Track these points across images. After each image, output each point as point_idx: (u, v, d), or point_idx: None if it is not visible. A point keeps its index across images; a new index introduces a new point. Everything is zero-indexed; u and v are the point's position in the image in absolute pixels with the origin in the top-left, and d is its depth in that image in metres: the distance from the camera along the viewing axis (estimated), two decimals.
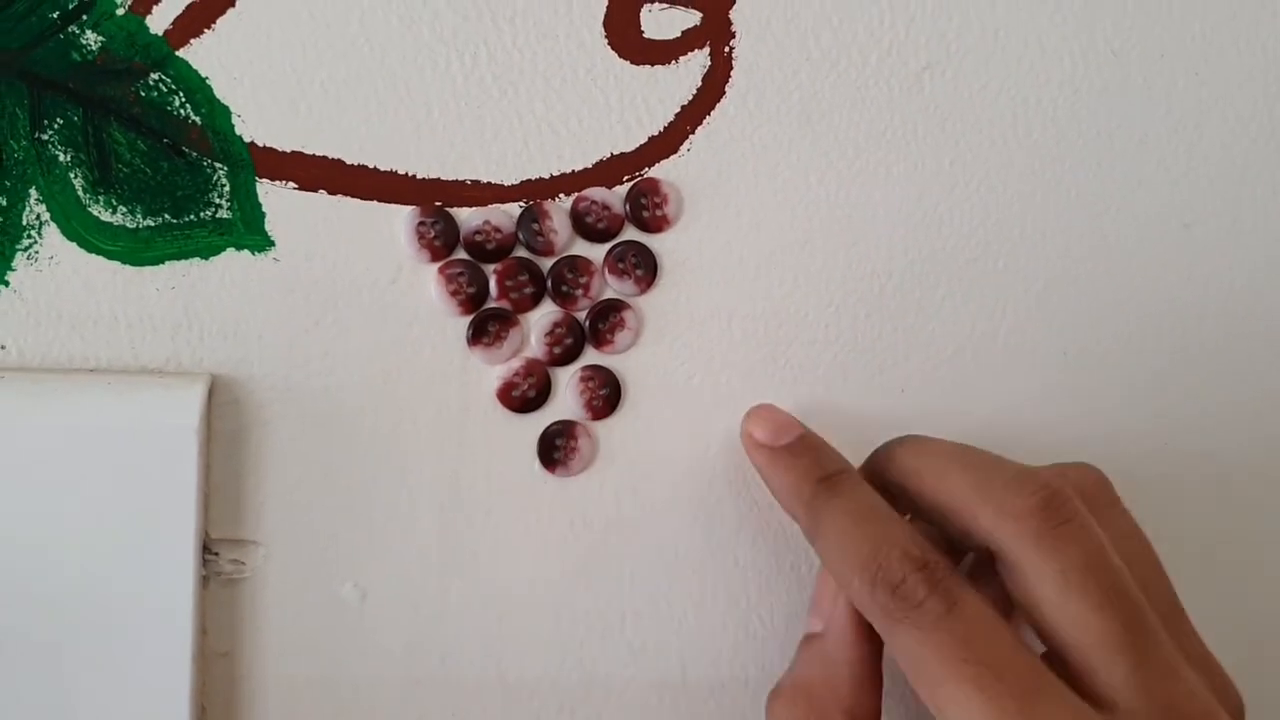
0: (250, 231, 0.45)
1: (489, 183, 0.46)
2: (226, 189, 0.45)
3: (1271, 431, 0.52)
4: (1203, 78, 0.50)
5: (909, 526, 0.42)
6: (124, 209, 0.44)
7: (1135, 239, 0.50)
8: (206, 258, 0.45)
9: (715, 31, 0.47)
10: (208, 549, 0.46)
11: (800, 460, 0.45)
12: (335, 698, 0.47)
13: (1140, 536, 0.44)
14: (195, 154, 0.45)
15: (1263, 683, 0.44)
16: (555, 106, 0.46)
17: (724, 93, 0.47)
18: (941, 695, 0.38)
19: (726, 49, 0.47)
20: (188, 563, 0.44)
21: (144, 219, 0.45)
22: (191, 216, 0.45)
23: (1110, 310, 0.50)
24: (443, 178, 0.46)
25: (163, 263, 0.45)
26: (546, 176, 0.46)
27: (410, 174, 0.45)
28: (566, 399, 0.47)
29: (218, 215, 0.45)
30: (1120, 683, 0.38)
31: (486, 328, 0.46)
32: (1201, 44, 0.50)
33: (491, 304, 0.46)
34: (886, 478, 0.45)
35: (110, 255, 0.44)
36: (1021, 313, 0.50)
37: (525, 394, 0.47)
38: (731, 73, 0.47)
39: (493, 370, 0.47)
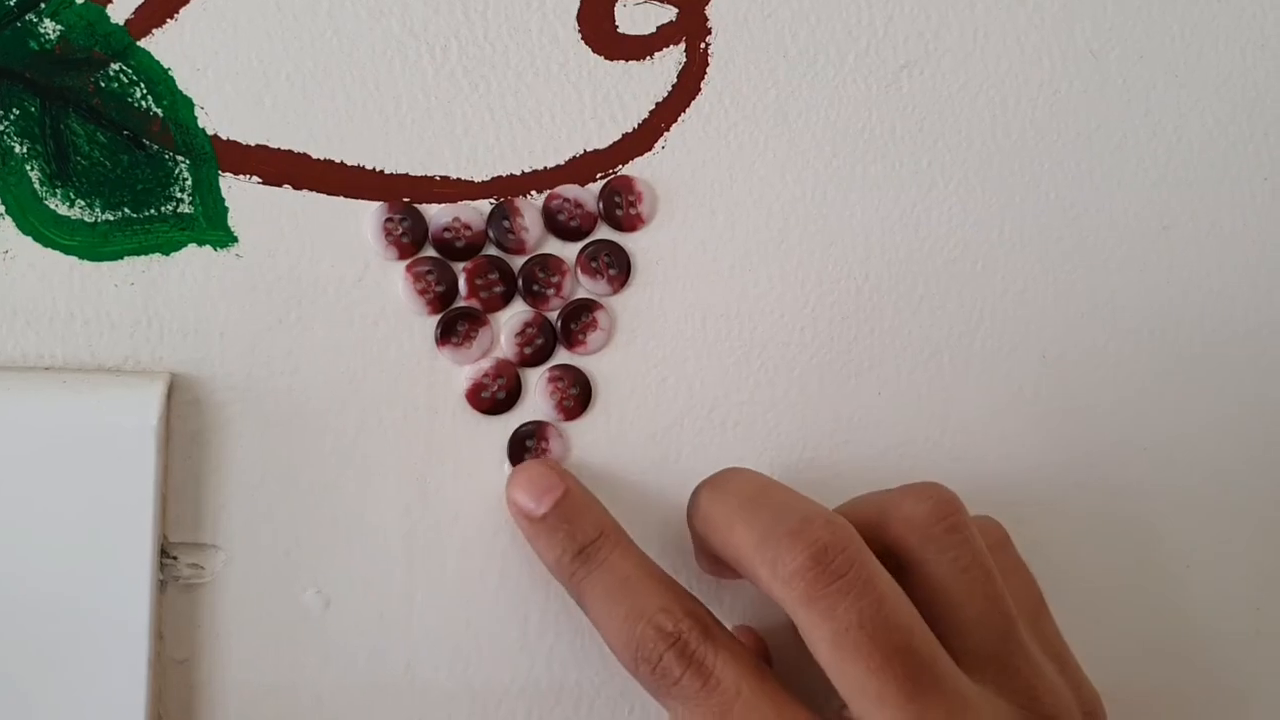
0: (213, 226, 0.44)
1: (459, 179, 0.45)
2: (189, 183, 0.44)
3: (1251, 431, 0.52)
4: (1181, 80, 0.50)
5: (666, 591, 0.42)
6: (82, 203, 0.43)
7: (1114, 241, 0.50)
8: (167, 253, 0.44)
9: (691, 27, 0.46)
10: (166, 553, 0.45)
11: (558, 533, 0.44)
12: (296, 707, 0.46)
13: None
14: (157, 147, 0.44)
15: None
16: (527, 102, 0.45)
17: (700, 90, 0.46)
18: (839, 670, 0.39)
19: (702, 45, 0.46)
20: (145, 567, 0.43)
21: (103, 213, 0.43)
22: (152, 211, 0.44)
23: (1089, 312, 0.50)
24: (411, 173, 0.45)
25: (122, 258, 0.44)
26: (518, 173, 0.45)
27: (378, 169, 0.45)
28: (537, 399, 0.46)
29: (179, 210, 0.44)
30: (989, 672, 0.40)
31: (455, 327, 0.45)
32: (1180, 46, 0.49)
33: (461, 303, 0.45)
34: (692, 525, 0.45)
35: (67, 250, 0.43)
36: (999, 315, 0.49)
37: (495, 395, 0.46)
38: (708, 69, 0.46)
39: (461, 371, 0.46)
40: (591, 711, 0.48)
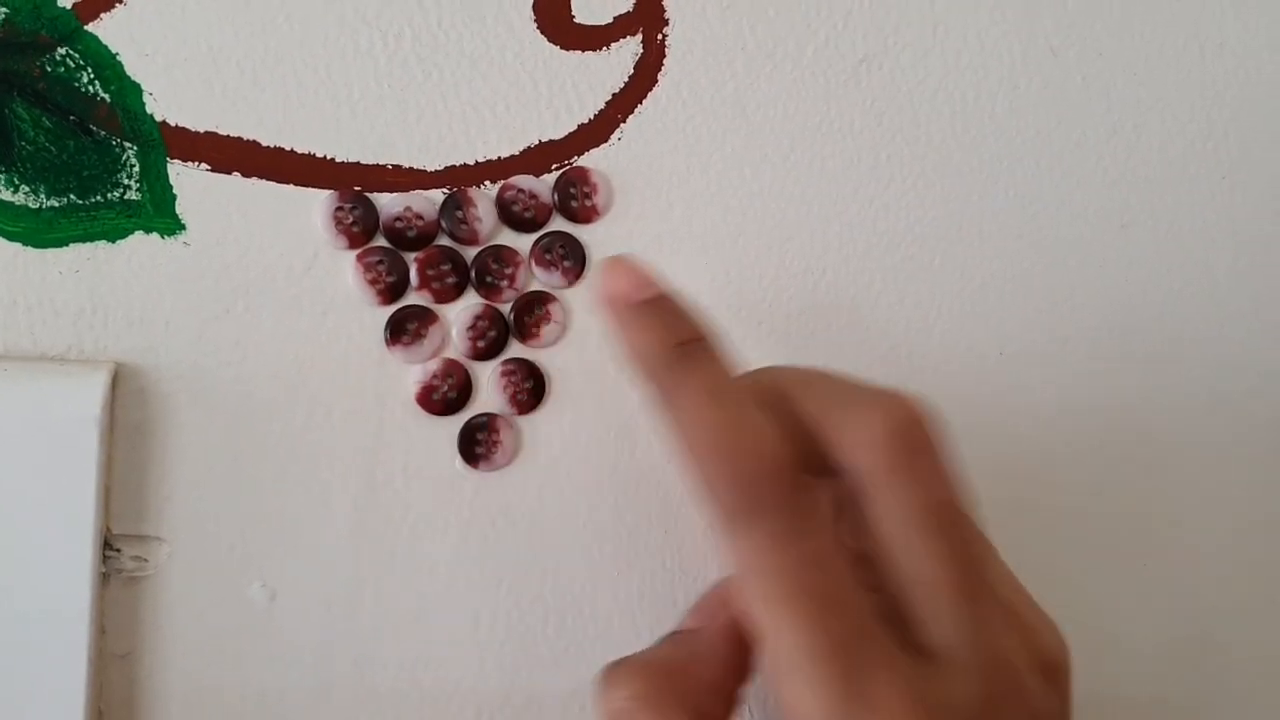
0: (160, 214, 0.43)
1: (411, 168, 0.45)
2: (136, 169, 0.43)
3: (1206, 427, 0.52)
4: (1140, 78, 0.50)
5: (774, 422, 0.38)
6: (26, 188, 0.43)
7: (1072, 238, 0.50)
8: (113, 240, 0.43)
9: (648, 18, 0.46)
10: (109, 545, 0.44)
11: (658, 320, 0.40)
12: (241, 703, 0.46)
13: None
14: (104, 133, 0.43)
15: None
16: (481, 91, 0.45)
17: (656, 81, 0.46)
18: (769, 615, 0.36)
19: (660, 36, 0.46)
20: (86, 559, 0.42)
21: (48, 199, 0.43)
22: (98, 197, 0.43)
23: (1047, 309, 0.50)
24: (363, 161, 0.44)
25: (67, 245, 0.43)
26: (471, 163, 0.45)
27: (329, 157, 0.44)
28: (490, 393, 0.46)
29: (126, 196, 0.43)
30: (950, 632, 0.37)
31: (405, 326, 0.44)
32: (1140, 44, 0.49)
33: (412, 293, 0.45)
34: (756, 391, 0.40)
35: (11, 237, 0.43)
36: (956, 310, 0.49)
37: (446, 395, 0.45)
38: (664, 61, 0.46)
39: (411, 372, 0.45)
40: (541, 711, 0.47)
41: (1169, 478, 0.52)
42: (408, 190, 0.45)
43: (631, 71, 0.46)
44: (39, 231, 0.43)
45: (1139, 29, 0.49)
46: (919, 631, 0.37)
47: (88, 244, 0.43)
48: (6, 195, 0.42)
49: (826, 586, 0.36)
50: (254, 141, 0.44)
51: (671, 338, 0.39)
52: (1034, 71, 0.48)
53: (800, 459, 0.38)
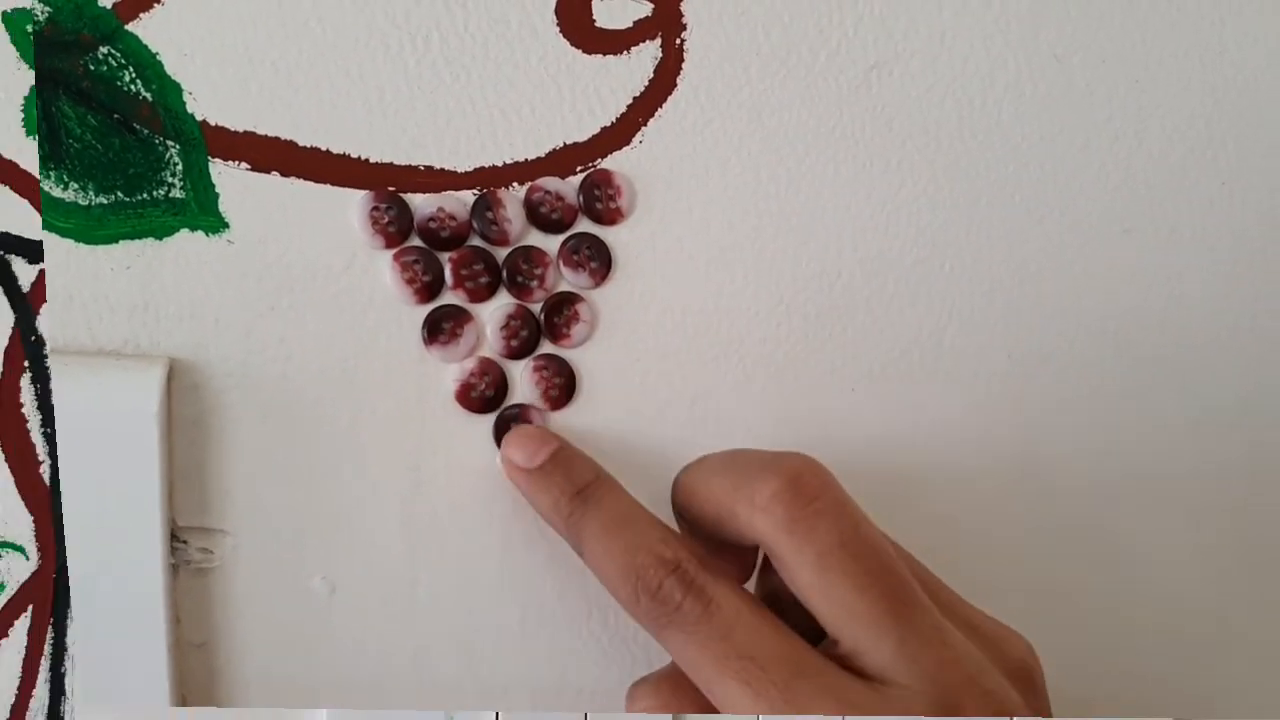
0: (204, 212, 0.45)
1: (442, 169, 0.46)
2: (179, 168, 0.44)
3: (1211, 433, 0.53)
4: (1142, 85, 0.50)
5: (662, 527, 0.43)
6: (76, 185, 0.44)
7: (1077, 243, 0.51)
8: (161, 238, 0.45)
9: (666, 23, 0.47)
10: (175, 537, 0.46)
11: (554, 478, 0.45)
12: (312, 693, 0.48)
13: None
14: (147, 131, 0.44)
15: None
16: (508, 94, 0.46)
17: (675, 85, 0.47)
18: (716, 693, 0.40)
19: (678, 41, 0.47)
20: (156, 551, 0.44)
21: (96, 196, 0.44)
22: (144, 195, 0.44)
23: (1053, 314, 0.51)
24: (396, 162, 0.46)
25: (117, 242, 0.44)
26: (499, 164, 0.46)
27: (363, 158, 0.45)
28: (524, 389, 0.47)
29: (171, 194, 0.44)
30: (889, 658, 0.39)
31: (441, 325, 0.46)
32: (1141, 52, 0.50)
33: (447, 292, 0.46)
34: (676, 504, 0.45)
35: (64, 233, 0.44)
36: (966, 314, 0.50)
37: (483, 394, 0.47)
38: (683, 65, 0.47)
39: (449, 369, 0.47)
40: (592, 703, 0.49)
41: (1176, 479, 0.53)
42: (440, 191, 0.46)
43: (651, 75, 0.47)
44: (90, 228, 0.44)
45: (1139, 37, 0.50)
46: (861, 660, 0.40)
47: (137, 241, 0.44)
48: (58, 192, 0.44)
49: (751, 650, 0.40)
50: (291, 142, 0.45)
51: (570, 487, 0.45)
52: (1039, 78, 0.49)
53: (712, 549, 0.43)
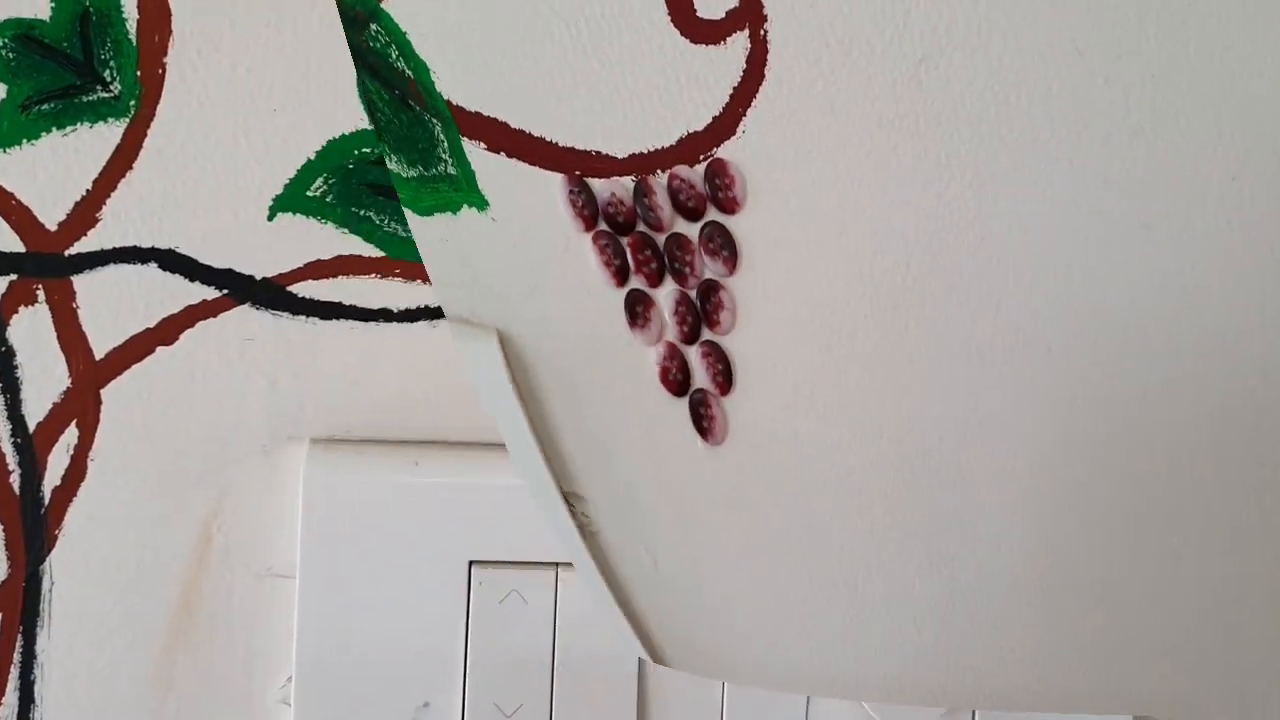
0: (470, 189, 0.47)
1: (607, 154, 0.47)
2: (445, 145, 0.47)
3: (1228, 426, 0.48)
4: (1158, 80, 0.41)
5: None
6: (394, 158, 0.48)
7: (1101, 239, 0.45)
8: (455, 212, 0.47)
9: (751, 14, 0.44)
10: (568, 501, 0.50)
11: None
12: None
13: None
14: (417, 108, 0.47)
15: None
16: (640, 80, 0.45)
17: (764, 76, 0.45)
18: None
19: (762, 32, 0.44)
20: (561, 513, 0.49)
21: (408, 169, 0.48)
22: (434, 170, 0.47)
23: (1085, 310, 0.46)
24: (576, 147, 0.46)
25: (432, 214, 0.48)
26: (644, 151, 0.46)
27: (554, 141, 0.46)
28: (698, 375, 0.48)
29: (448, 171, 0.47)
30: None
31: (635, 309, 0.48)
32: (1155, 47, 0.41)
33: (633, 277, 0.47)
34: None
35: (404, 203, 0.48)
36: (1012, 307, 0.46)
37: (676, 377, 0.48)
38: (768, 56, 0.44)
39: (648, 353, 0.48)
40: None
41: (1193, 471, 0.48)
42: (607, 176, 0.47)
43: (744, 66, 0.45)
44: (416, 199, 0.47)
45: (1153, 31, 0.41)
46: None
47: (443, 215, 0.47)
48: (390, 165, 0.48)
49: None
50: (504, 123, 0.47)
51: None
52: (1063, 72, 0.42)
53: None
